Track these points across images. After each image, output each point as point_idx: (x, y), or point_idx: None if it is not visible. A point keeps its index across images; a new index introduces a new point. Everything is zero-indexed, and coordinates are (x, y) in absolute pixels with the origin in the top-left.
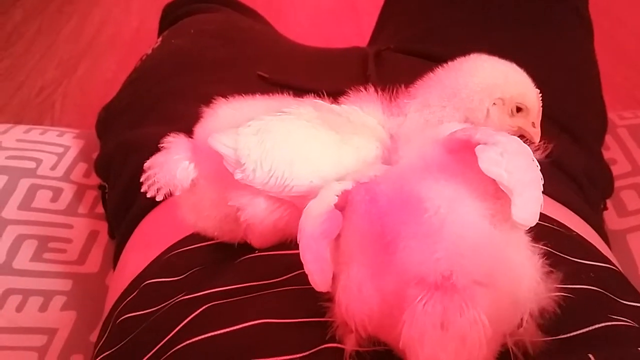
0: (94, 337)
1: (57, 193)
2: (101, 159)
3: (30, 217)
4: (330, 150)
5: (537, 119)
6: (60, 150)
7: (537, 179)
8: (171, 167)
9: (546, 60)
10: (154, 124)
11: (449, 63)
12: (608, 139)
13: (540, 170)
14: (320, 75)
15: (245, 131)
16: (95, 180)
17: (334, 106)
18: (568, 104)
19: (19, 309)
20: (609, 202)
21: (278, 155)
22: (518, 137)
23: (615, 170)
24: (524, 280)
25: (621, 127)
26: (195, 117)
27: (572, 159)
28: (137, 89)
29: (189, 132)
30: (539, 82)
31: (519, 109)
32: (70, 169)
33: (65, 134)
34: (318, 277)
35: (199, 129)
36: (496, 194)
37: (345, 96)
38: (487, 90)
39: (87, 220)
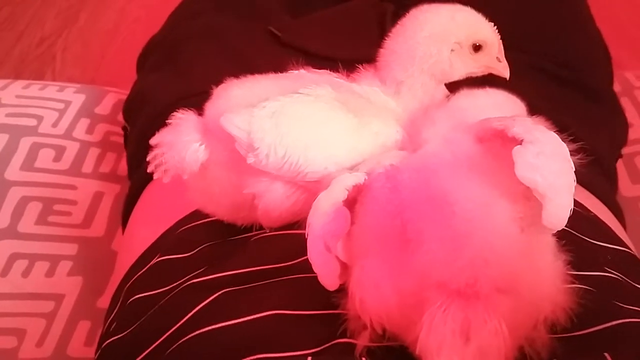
0: (101, 303)
1: (59, 152)
2: (126, 101)
3: (34, 178)
4: (347, 135)
5: (501, 53)
6: (61, 106)
7: (570, 184)
8: (180, 148)
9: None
10: (171, 72)
11: (393, 30)
12: (624, 101)
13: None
14: (335, 40)
15: (260, 113)
16: (97, 137)
17: (354, 86)
18: (578, 57)
19: (25, 274)
20: (622, 169)
21: (293, 140)
22: (487, 74)
23: (631, 134)
24: (545, 285)
25: (639, 88)
26: (210, 72)
27: (590, 129)
28: (168, 25)
29: (200, 91)
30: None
31: (478, 47)
32: (72, 126)
33: (66, 88)
34: (326, 279)
35: (210, 109)
36: (526, 193)
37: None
38: (441, 39)
39: (91, 181)
